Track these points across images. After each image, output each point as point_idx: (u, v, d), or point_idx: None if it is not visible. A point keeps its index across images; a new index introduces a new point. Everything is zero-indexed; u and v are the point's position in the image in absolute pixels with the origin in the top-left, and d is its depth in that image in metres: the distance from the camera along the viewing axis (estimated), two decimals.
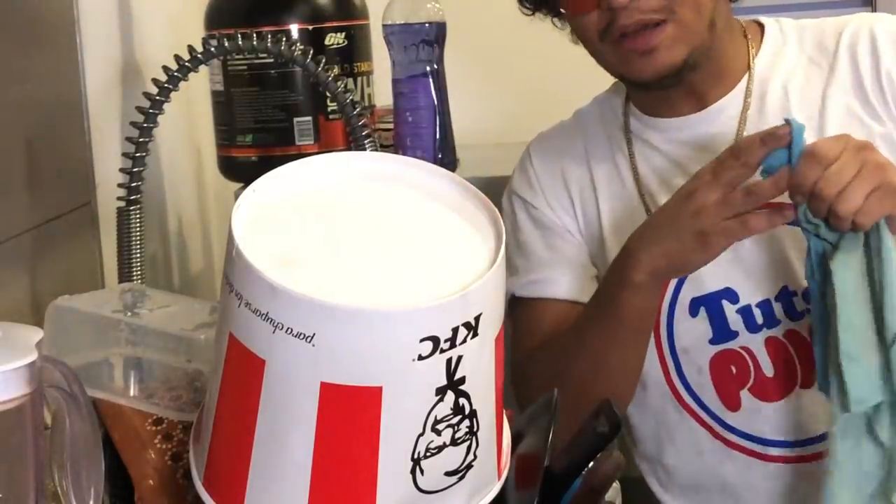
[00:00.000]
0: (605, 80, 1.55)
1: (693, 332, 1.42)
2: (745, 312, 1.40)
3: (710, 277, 1.39)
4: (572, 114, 1.59)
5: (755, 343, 1.40)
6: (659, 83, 1.39)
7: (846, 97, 1.40)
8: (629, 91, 1.50)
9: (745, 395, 1.41)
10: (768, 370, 1.40)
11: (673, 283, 1.41)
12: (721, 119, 1.43)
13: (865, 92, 1.39)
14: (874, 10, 2.15)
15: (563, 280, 1.47)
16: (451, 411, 0.93)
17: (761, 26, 1.48)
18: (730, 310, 1.40)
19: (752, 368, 1.40)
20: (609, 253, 1.45)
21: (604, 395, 1.37)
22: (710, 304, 1.41)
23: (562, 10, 1.46)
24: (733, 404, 1.41)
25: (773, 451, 1.41)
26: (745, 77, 1.44)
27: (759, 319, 1.40)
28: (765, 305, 1.39)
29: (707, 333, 1.41)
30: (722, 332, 1.40)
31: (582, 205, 1.50)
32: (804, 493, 1.40)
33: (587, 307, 1.41)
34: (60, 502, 0.94)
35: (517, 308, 1.50)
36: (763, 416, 1.40)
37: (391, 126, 1.82)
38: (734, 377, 1.41)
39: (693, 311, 1.41)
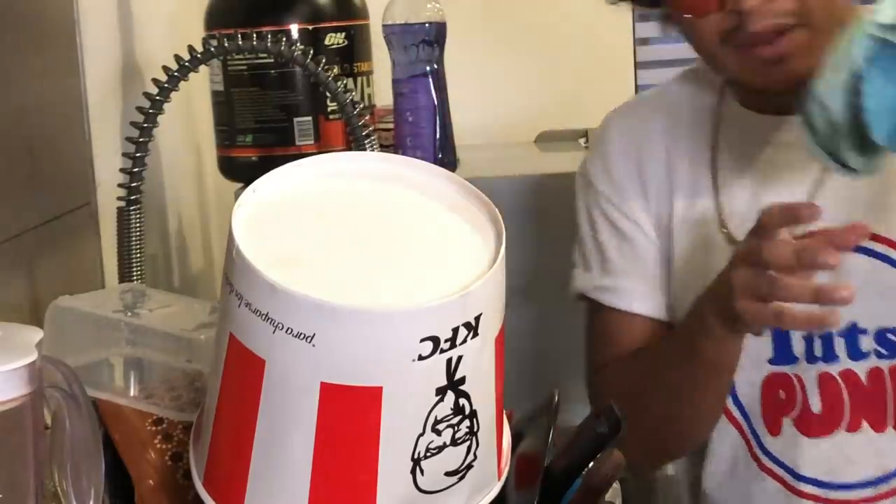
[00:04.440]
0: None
1: (755, 347, 1.33)
2: (808, 341, 1.35)
3: None
4: (658, 87, 1.49)
5: (809, 374, 1.35)
6: (781, 92, 1.28)
7: None
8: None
9: (786, 422, 1.36)
10: (815, 405, 1.35)
11: None
12: None
13: None
14: None
15: (639, 294, 1.42)
16: (451, 411, 0.93)
17: None
18: (796, 335, 1.35)
19: (799, 398, 1.35)
20: (675, 253, 1.40)
21: (682, 431, 1.35)
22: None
23: (670, 8, 1.33)
24: (775, 428, 1.37)
25: (804, 488, 1.36)
26: None
27: (819, 352, 1.34)
28: (826, 339, 1.34)
29: (768, 352, 1.36)
30: (783, 354, 1.36)
31: (657, 196, 1.42)
32: None
33: (667, 342, 1.36)
34: (60, 502, 0.94)
35: (591, 310, 1.45)
36: (800, 449, 1.36)
37: (391, 126, 1.82)
38: (780, 402, 1.36)
39: None
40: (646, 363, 1.37)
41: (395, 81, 1.78)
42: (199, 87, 1.80)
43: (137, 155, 1.45)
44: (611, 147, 1.44)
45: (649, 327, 1.41)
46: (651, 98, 1.48)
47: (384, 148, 1.80)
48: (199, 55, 1.45)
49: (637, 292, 1.41)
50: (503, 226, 0.97)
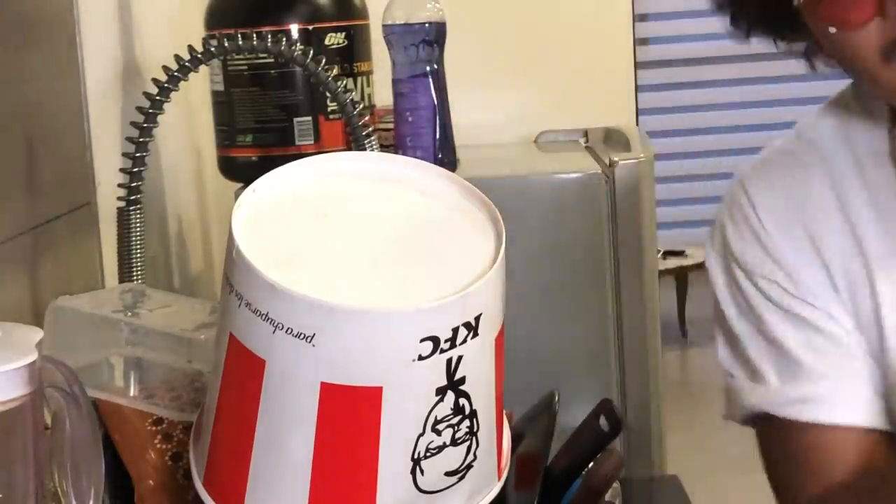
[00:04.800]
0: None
1: None
2: None
3: None
4: (794, 133, 1.16)
5: None
6: None
7: None
8: None
9: None
10: None
11: None
12: None
13: None
14: None
15: (848, 399, 1.10)
16: (451, 411, 0.93)
17: None
18: None
19: None
20: (890, 338, 1.09)
21: None
22: None
23: (814, 25, 1.05)
24: None
25: None
26: None
27: None
28: None
29: None
30: None
31: (846, 276, 1.11)
32: None
33: None
34: (60, 502, 0.94)
35: (776, 430, 1.13)
36: None
37: (391, 126, 1.82)
38: None
39: None
40: (882, 488, 1.07)
41: (395, 81, 1.78)
42: (199, 87, 1.80)
43: (137, 155, 1.46)
44: (764, 221, 1.13)
45: (869, 440, 1.10)
46: (789, 152, 1.16)
47: (384, 148, 1.80)
48: (199, 55, 1.45)
49: (846, 398, 1.10)
50: (503, 226, 0.97)
